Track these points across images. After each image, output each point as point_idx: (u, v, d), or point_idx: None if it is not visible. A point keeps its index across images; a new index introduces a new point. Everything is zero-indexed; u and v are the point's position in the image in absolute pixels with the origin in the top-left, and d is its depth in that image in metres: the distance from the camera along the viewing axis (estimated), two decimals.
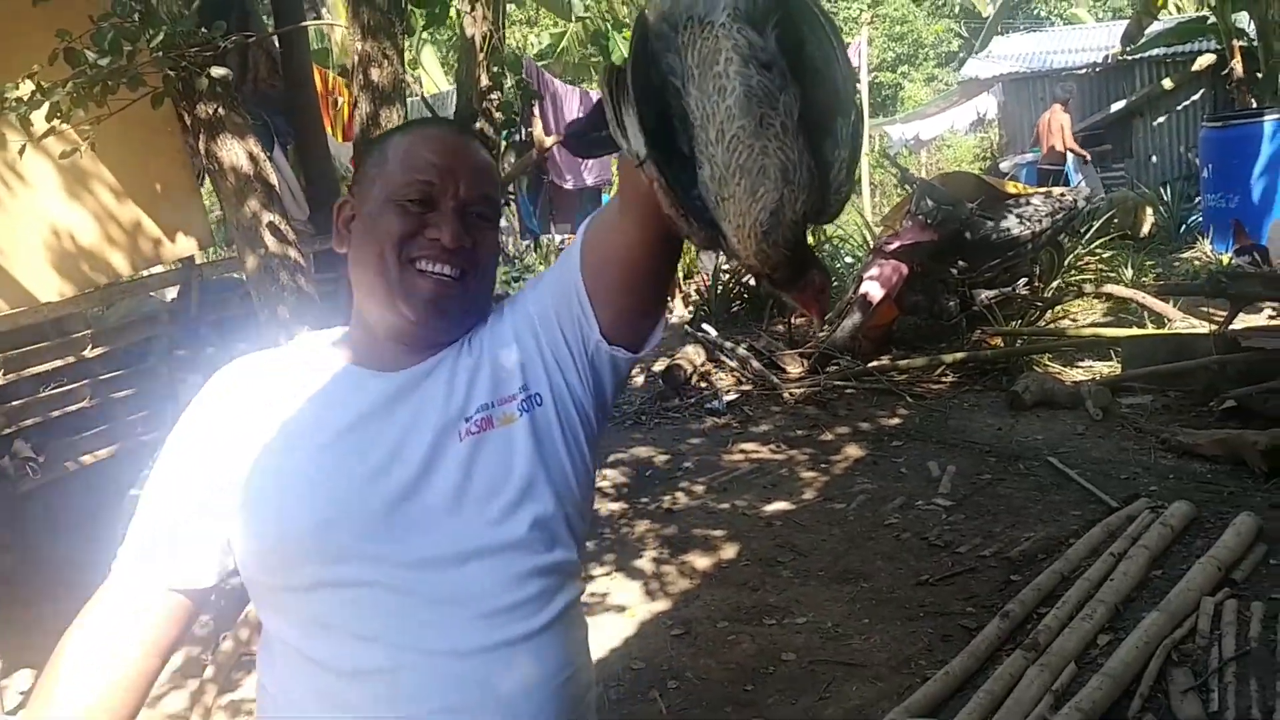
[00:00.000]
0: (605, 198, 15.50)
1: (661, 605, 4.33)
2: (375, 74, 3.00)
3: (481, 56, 3.31)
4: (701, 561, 4.65)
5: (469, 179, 1.32)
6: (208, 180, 5.43)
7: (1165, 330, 6.88)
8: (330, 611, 1.20)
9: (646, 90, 1.01)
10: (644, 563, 4.71)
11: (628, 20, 16.72)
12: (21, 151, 3.02)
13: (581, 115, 4.42)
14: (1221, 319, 6.61)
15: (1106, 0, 18.87)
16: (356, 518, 1.21)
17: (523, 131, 3.87)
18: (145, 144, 4.51)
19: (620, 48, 16.14)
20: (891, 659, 3.71)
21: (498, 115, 3.43)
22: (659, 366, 7.81)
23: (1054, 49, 17.42)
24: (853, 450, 5.83)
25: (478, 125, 3.42)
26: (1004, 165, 11.71)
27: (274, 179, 3.23)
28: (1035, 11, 17.93)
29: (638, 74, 1.02)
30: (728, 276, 9.41)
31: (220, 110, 3.05)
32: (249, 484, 1.23)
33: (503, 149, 3.99)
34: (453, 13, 3.70)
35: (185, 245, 4.75)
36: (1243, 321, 6.67)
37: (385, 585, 1.20)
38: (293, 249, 3.19)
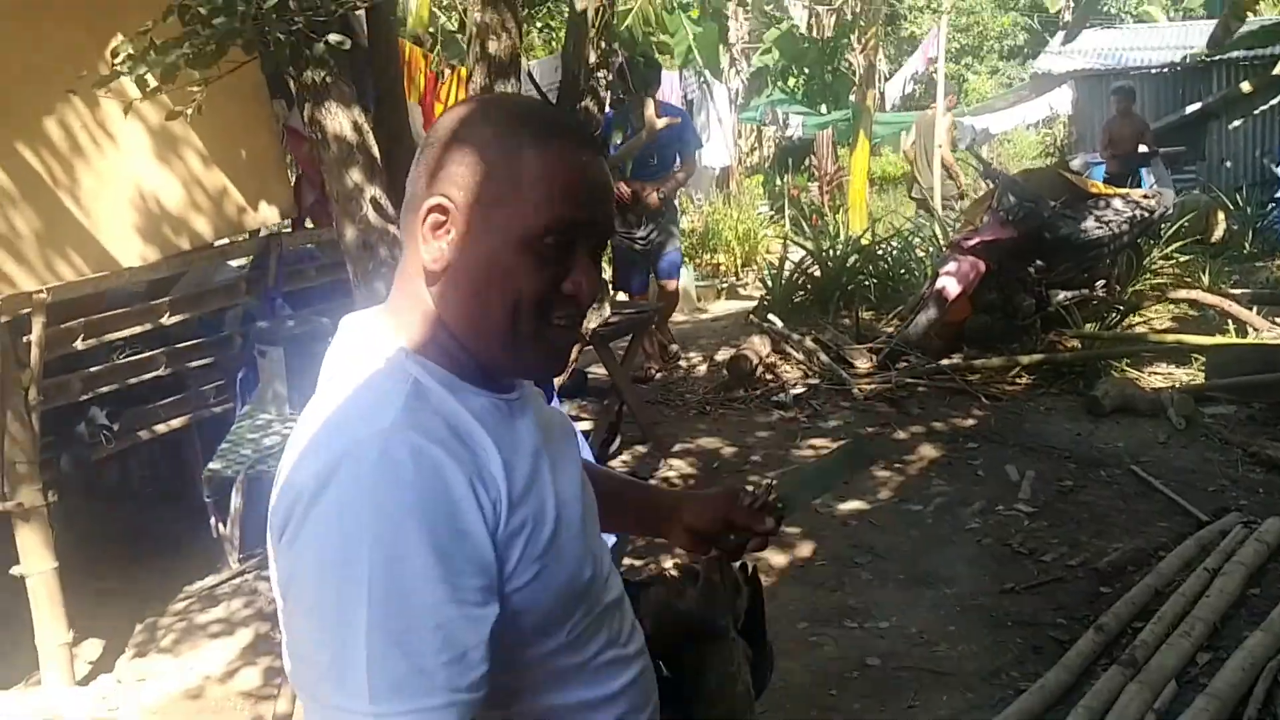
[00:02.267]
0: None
1: None
2: (493, 46, 2.90)
3: (593, 31, 3.21)
4: (777, 559, 4.55)
5: (607, 215, 1.16)
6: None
7: (1253, 340, 6.68)
8: (601, 642, 1.20)
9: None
10: None
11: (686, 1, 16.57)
12: (127, 110, 2.96)
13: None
14: None
15: (1181, 1, 18.52)
16: (600, 549, 1.25)
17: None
18: (233, 111, 4.45)
19: (685, 29, 15.99)
20: (980, 669, 3.60)
21: (604, 94, 3.33)
22: (722, 355, 7.71)
23: (1129, 46, 17.10)
24: (927, 450, 5.70)
25: (583, 104, 3.33)
26: (1074, 163, 11.49)
27: (376, 150, 3.15)
28: (1105, 8, 17.61)
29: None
30: (792, 267, 9.27)
31: (327, 78, 2.98)
32: (538, 552, 1.08)
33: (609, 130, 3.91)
34: None
35: (268, 213, 4.71)
36: None
37: (615, 602, 1.25)
38: (392, 224, 3.11)
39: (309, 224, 5.50)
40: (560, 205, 1.08)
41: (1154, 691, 3.23)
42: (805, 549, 4.63)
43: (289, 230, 5.24)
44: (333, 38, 2.82)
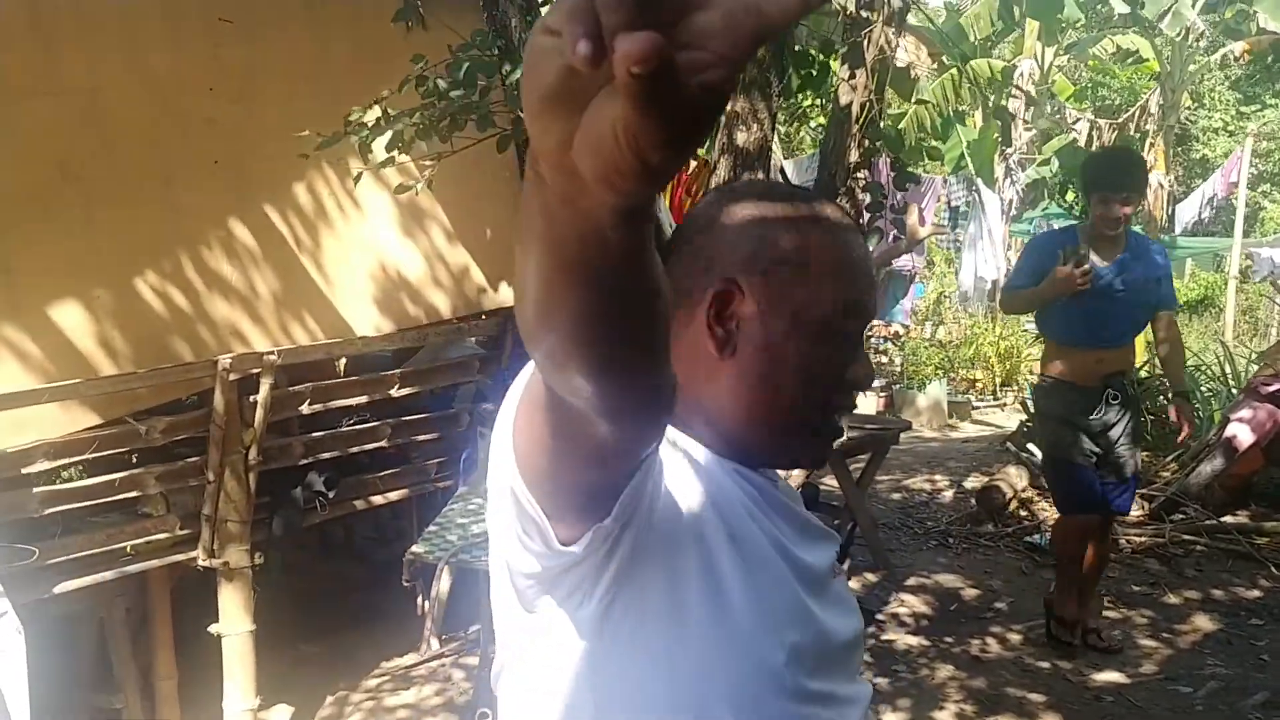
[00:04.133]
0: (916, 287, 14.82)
1: None
2: (741, 136, 2.63)
3: (856, 129, 2.90)
4: None
5: (874, 299, 1.13)
6: None
7: None
8: None
9: None
10: (946, 717, 4.11)
11: (970, 109, 16.09)
12: (357, 180, 2.86)
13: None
14: None
15: None
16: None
17: (887, 217, 3.46)
18: (481, 189, 4.37)
19: (960, 138, 15.53)
20: None
21: (863, 196, 3.00)
22: (972, 484, 7.13)
23: None
24: (1202, 621, 4.98)
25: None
26: None
27: None
28: None
29: None
30: None
31: None
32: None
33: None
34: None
35: (508, 294, 4.59)
36: None
37: None
38: None
39: None
40: (851, 288, 1.06)
41: None
42: None
43: None
44: None
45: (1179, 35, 13.77)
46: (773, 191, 1.14)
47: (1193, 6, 13.10)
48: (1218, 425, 6.72)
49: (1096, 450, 4.39)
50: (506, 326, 4.60)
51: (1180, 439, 4.20)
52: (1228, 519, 6.11)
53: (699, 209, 1.14)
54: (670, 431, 1.04)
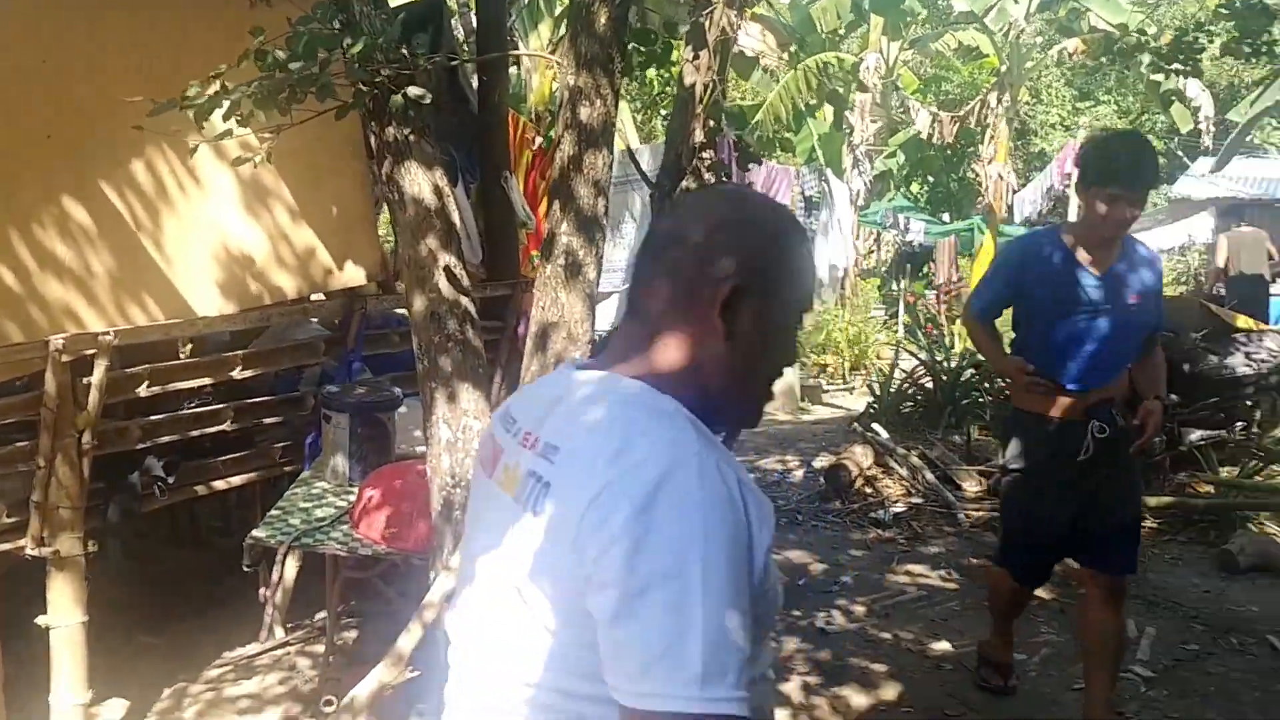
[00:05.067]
0: None
1: None
2: (585, 112, 2.66)
3: (700, 109, 2.95)
4: (857, 699, 4.13)
5: None
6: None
7: None
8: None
9: None
10: (791, 688, 4.21)
11: (813, 102, 16.44)
12: (193, 152, 2.78)
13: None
14: None
15: None
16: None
17: None
18: (326, 166, 4.30)
19: (811, 130, 15.85)
20: None
21: (708, 176, 3.06)
22: (821, 463, 7.31)
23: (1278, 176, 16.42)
24: (1037, 591, 5.20)
25: (684, 184, 3.06)
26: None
27: (455, 217, 2.92)
28: (1252, 138, 16.96)
29: None
30: (903, 375, 8.86)
31: (410, 135, 2.76)
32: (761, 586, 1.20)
33: None
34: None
35: (354, 274, 4.51)
36: None
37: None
38: (465, 297, 2.85)
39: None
40: (809, 283, 1.34)
41: None
42: (890, 691, 4.19)
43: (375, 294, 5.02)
44: (413, 91, 2.60)
45: (1002, 29, 14.30)
46: (769, 204, 1.41)
47: (1017, 2, 13.63)
48: None
49: (1070, 510, 3.59)
50: (352, 307, 4.52)
51: (1138, 445, 3.42)
52: None
53: (696, 209, 1.38)
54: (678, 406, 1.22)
